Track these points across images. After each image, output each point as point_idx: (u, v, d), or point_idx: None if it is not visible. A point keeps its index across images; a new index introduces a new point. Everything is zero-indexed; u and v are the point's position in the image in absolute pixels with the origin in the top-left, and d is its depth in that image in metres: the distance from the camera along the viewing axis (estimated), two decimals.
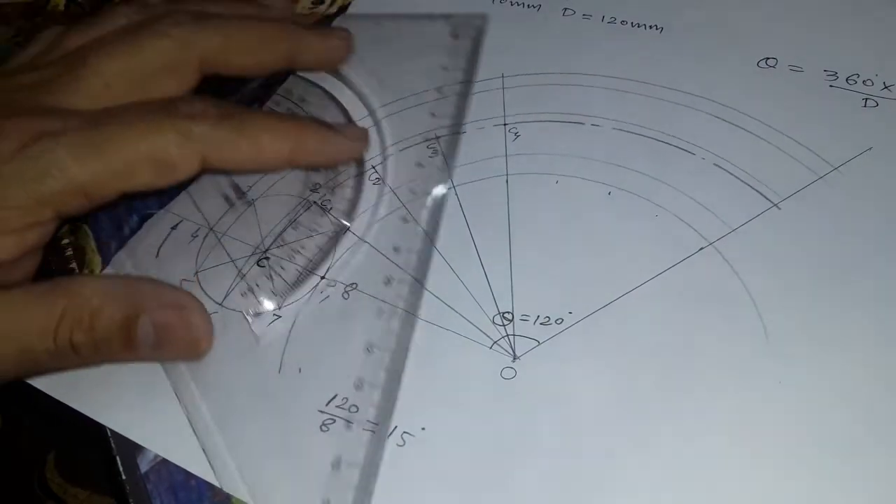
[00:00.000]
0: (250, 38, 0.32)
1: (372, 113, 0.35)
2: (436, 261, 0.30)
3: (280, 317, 0.30)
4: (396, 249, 0.30)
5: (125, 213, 0.34)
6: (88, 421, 0.29)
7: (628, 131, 0.31)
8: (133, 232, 0.34)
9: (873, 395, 0.24)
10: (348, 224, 0.31)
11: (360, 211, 0.32)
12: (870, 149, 0.29)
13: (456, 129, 0.33)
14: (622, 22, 0.35)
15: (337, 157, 0.33)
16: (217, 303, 0.30)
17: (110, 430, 0.28)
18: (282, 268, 0.31)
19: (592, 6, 0.35)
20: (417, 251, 0.30)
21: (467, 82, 0.34)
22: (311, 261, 0.31)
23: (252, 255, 0.31)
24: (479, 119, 0.33)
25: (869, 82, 0.30)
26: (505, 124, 0.33)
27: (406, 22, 0.37)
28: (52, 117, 0.29)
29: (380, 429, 0.26)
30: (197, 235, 0.32)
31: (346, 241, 0.31)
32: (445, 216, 0.31)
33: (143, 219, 0.34)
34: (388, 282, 0.30)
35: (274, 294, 0.30)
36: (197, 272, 0.32)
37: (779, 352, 0.26)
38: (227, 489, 0.26)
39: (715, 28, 0.33)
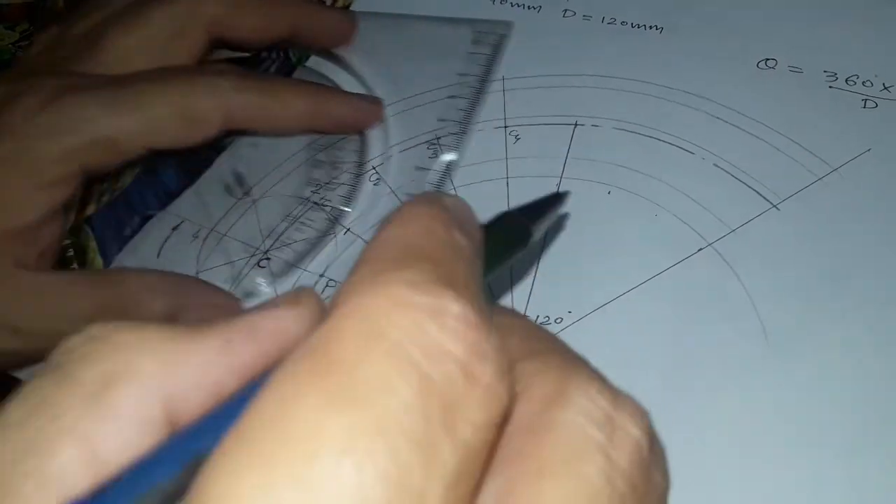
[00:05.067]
0: (256, 3, 0.33)
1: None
2: None
3: None
4: None
5: (127, 213, 0.34)
6: None
7: (628, 131, 0.31)
8: (135, 232, 0.34)
9: (873, 395, 0.24)
10: (349, 209, 0.31)
11: (357, 211, 0.32)
12: (869, 150, 0.29)
13: (459, 131, 0.33)
14: (622, 23, 0.35)
15: (355, 120, 0.33)
16: None
17: None
18: (281, 268, 0.31)
19: (592, 7, 0.35)
20: None
21: (480, 89, 0.34)
22: (310, 259, 0.31)
23: (253, 255, 0.31)
24: (479, 121, 0.33)
25: (868, 83, 0.30)
26: (505, 127, 0.33)
27: (428, 24, 0.37)
28: (79, 77, 0.29)
29: None
30: (198, 236, 0.32)
31: (345, 241, 0.31)
32: None
33: (145, 219, 0.34)
34: None
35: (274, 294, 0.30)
36: (198, 273, 0.32)
37: (779, 352, 0.26)
38: None
39: (715, 28, 0.33)
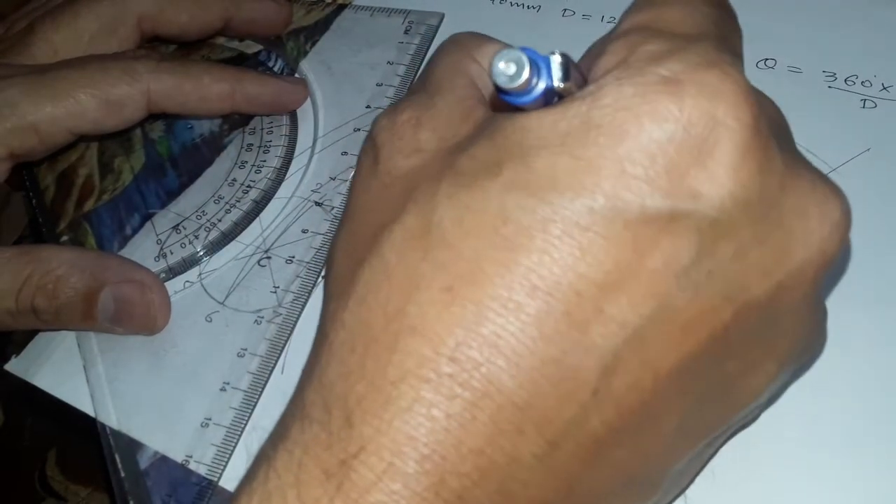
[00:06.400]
0: None
1: (313, 98, 0.35)
2: None
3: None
4: (304, 231, 0.31)
5: (127, 212, 0.34)
6: (89, 419, 0.29)
7: None
8: (135, 231, 0.34)
9: (873, 395, 0.24)
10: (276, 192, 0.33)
11: (285, 193, 0.33)
12: (868, 150, 0.29)
13: None
14: None
15: (275, 100, 0.34)
16: (219, 302, 0.31)
17: (109, 427, 0.28)
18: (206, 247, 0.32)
19: (592, 7, 0.35)
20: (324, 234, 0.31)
21: (405, 78, 0.35)
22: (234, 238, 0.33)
23: (254, 254, 0.32)
24: None
25: (867, 83, 0.30)
26: None
27: (364, 13, 0.37)
28: (4, 67, 0.30)
29: None
30: (198, 236, 0.32)
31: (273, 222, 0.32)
32: None
33: (145, 218, 0.34)
34: (289, 261, 0.31)
35: (273, 293, 0.30)
36: (199, 272, 0.32)
37: None
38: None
39: None
